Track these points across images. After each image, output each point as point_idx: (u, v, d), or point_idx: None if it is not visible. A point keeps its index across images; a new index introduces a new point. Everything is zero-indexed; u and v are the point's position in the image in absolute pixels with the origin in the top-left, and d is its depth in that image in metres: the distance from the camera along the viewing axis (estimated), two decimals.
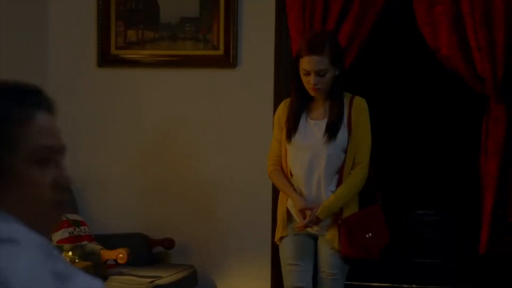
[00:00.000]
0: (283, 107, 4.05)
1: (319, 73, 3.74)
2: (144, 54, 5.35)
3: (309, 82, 3.76)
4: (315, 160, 3.86)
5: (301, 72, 3.80)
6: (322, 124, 3.87)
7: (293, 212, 3.96)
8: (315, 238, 4.01)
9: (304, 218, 3.86)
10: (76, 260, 4.39)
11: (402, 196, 6.60)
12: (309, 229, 3.92)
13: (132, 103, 5.39)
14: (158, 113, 5.36)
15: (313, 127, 3.89)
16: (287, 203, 4.01)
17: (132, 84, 5.39)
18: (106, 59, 5.39)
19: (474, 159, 4.92)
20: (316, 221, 3.85)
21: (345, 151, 3.87)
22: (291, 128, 3.89)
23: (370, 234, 3.90)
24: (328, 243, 3.91)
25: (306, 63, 3.74)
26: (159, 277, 4.73)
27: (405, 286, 5.84)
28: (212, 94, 5.29)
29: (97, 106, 5.44)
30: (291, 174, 3.97)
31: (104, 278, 4.63)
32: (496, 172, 4.75)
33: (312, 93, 3.81)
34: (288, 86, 5.13)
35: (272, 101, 5.13)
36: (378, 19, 4.99)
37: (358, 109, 3.88)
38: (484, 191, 4.80)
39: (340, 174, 3.89)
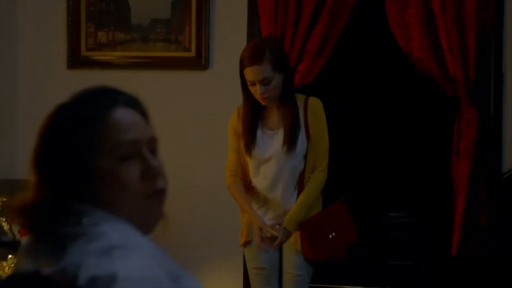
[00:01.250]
0: (237, 115, 3.99)
1: (264, 82, 3.66)
2: (114, 56, 5.30)
3: (256, 92, 3.71)
4: (278, 171, 3.82)
5: (248, 83, 3.74)
6: (280, 134, 3.81)
7: (253, 228, 3.92)
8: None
9: (261, 237, 3.83)
10: None
11: (373, 198, 6.60)
12: (273, 232, 3.88)
13: None
14: None
15: (271, 138, 3.83)
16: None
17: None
18: (76, 60, 5.33)
19: (446, 161, 4.93)
20: (287, 234, 3.83)
21: (305, 157, 3.83)
22: (249, 141, 3.83)
23: (334, 234, 3.88)
24: (292, 245, 3.90)
25: (249, 73, 3.68)
26: None
27: None
28: (183, 96, 5.26)
29: None
30: (253, 185, 3.93)
31: None
32: (468, 174, 4.77)
33: (262, 102, 3.76)
34: None
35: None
36: (351, 22, 4.99)
37: (314, 111, 3.83)
38: (456, 193, 4.82)
39: (300, 180, 3.86)
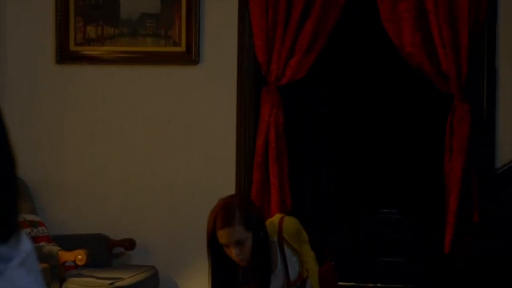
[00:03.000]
0: None
1: (239, 243, 3.49)
2: (103, 51, 5.25)
3: (231, 254, 3.52)
4: None
5: (223, 246, 3.53)
6: (275, 274, 3.75)
7: None
8: None
9: None
10: None
11: (366, 195, 6.58)
12: None
13: (92, 101, 5.29)
14: (118, 111, 5.27)
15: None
16: None
17: (91, 81, 5.29)
18: (64, 55, 5.28)
19: (439, 158, 4.90)
20: None
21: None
22: None
23: None
24: None
25: (222, 237, 3.49)
26: (120, 279, 4.64)
27: (370, 285, 5.81)
28: (174, 91, 5.21)
29: (56, 104, 5.32)
30: None
31: (62, 280, 4.54)
32: (461, 171, 4.74)
33: (241, 264, 3.57)
34: (251, 83, 5.08)
35: (235, 98, 5.07)
36: (342, 16, 4.96)
37: (289, 236, 3.71)
38: (449, 190, 4.79)
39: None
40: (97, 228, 5.20)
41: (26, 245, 1.39)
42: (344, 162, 6.58)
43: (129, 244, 5.14)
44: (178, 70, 5.19)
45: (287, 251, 3.70)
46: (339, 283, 5.28)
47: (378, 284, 5.80)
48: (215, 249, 3.56)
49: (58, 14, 5.26)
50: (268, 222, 3.73)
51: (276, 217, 3.81)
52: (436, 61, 4.78)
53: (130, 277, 4.73)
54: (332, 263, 3.98)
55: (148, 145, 5.24)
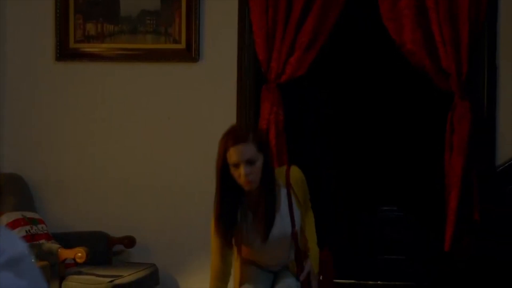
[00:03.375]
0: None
1: (249, 162, 3.49)
2: (103, 48, 5.24)
3: (240, 175, 3.51)
4: (268, 250, 3.74)
5: (231, 169, 3.53)
6: (281, 215, 3.73)
7: None
8: (274, 272, 3.93)
9: None
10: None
11: (366, 193, 6.57)
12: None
13: (92, 98, 5.28)
14: (118, 109, 5.25)
15: (254, 222, 3.72)
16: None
17: (91, 78, 5.28)
18: (64, 53, 5.27)
19: (439, 156, 4.89)
20: (317, 277, 3.80)
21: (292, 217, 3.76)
22: (231, 234, 3.65)
23: (321, 277, 3.86)
24: (288, 270, 3.85)
25: (233, 154, 3.49)
26: (119, 276, 4.63)
27: (370, 282, 5.80)
28: (173, 89, 5.20)
29: (55, 102, 5.31)
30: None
31: (62, 277, 4.53)
32: (461, 169, 4.73)
33: (246, 186, 3.54)
34: (251, 81, 5.07)
35: (235, 96, 5.06)
36: (342, 14, 4.94)
37: (295, 183, 3.73)
38: (449, 188, 4.78)
39: (295, 242, 3.79)
40: (97, 226, 5.19)
41: (15, 246, 1.30)
42: (344, 160, 6.56)
43: (129, 241, 5.13)
44: (178, 68, 5.17)
45: (293, 199, 3.70)
46: (340, 281, 5.27)
47: (378, 282, 5.79)
48: (224, 173, 3.54)
49: (58, 11, 5.25)
50: (276, 170, 3.74)
51: (283, 167, 3.82)
52: (437, 59, 4.77)
53: (130, 274, 4.72)
54: (331, 253, 3.96)
55: (148, 143, 5.23)
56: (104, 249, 5.10)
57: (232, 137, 3.54)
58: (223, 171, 3.54)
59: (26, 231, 4.80)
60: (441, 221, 4.83)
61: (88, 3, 5.23)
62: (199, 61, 5.14)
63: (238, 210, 3.64)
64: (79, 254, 4.47)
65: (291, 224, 3.67)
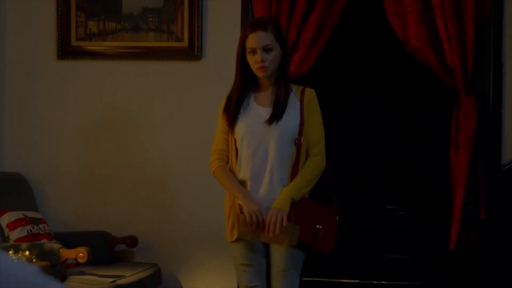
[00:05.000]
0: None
1: (266, 49, 3.65)
2: (105, 46, 5.21)
3: (256, 60, 3.67)
4: (264, 149, 3.68)
5: (248, 55, 3.69)
6: (270, 111, 3.72)
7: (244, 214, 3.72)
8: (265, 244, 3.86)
9: (257, 221, 3.65)
10: (34, 260, 4.23)
11: (371, 191, 6.53)
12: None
13: (93, 96, 5.25)
14: (120, 107, 5.22)
15: (262, 112, 3.73)
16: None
17: (93, 76, 5.25)
18: (66, 51, 5.24)
19: (445, 153, 4.85)
20: (282, 214, 3.64)
21: (296, 143, 3.70)
22: (236, 113, 3.74)
23: (321, 227, 3.74)
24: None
25: (251, 40, 3.68)
26: (121, 277, 4.60)
27: (375, 282, 5.76)
28: (176, 87, 5.17)
29: (57, 100, 5.28)
30: (238, 169, 3.78)
31: (64, 278, 4.50)
32: (467, 166, 4.69)
33: (259, 73, 3.69)
34: None
35: None
36: (346, 10, 4.91)
37: (309, 99, 3.77)
38: (455, 186, 4.74)
39: (295, 168, 3.72)
40: (99, 226, 5.16)
41: None
42: (348, 157, 6.53)
43: (131, 241, 5.10)
44: (181, 66, 5.14)
45: (295, 112, 3.75)
46: (344, 280, 5.23)
47: (383, 282, 5.76)
48: (243, 61, 3.73)
49: (59, 9, 5.22)
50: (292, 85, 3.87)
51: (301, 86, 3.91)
52: (442, 55, 4.73)
53: (132, 274, 4.69)
54: (336, 206, 3.86)
55: (151, 141, 5.20)
56: (106, 249, 5.07)
57: (251, 23, 3.81)
58: (242, 58, 3.74)
59: (28, 231, 4.78)
60: (447, 219, 4.79)
61: (90, 1, 5.20)
62: (202, 59, 5.11)
63: (247, 96, 3.78)
64: (81, 254, 4.44)
65: (299, 131, 3.71)
